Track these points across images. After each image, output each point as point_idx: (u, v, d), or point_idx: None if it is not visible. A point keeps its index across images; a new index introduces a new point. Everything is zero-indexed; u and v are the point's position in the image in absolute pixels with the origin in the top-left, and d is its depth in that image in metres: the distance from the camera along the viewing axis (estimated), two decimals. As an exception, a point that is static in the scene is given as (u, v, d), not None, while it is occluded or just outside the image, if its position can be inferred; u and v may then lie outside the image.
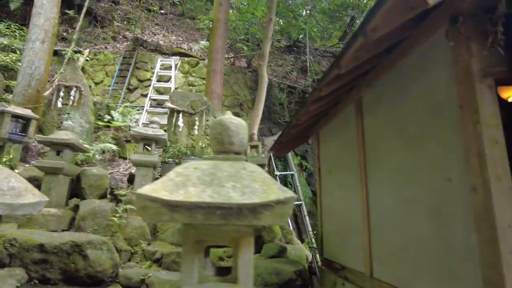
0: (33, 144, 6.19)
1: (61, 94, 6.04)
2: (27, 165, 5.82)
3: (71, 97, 6.06)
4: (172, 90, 8.89)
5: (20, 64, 8.39)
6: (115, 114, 7.25)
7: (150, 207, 1.23)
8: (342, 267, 3.42)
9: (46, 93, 5.90)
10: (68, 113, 6.07)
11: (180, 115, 6.35)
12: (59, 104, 6.02)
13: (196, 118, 6.42)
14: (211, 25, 10.56)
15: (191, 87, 9.23)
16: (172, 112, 6.38)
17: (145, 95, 9.13)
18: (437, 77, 2.05)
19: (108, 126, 7.18)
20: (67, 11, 10.77)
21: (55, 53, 10.00)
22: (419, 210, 2.19)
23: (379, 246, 2.73)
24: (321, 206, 4.12)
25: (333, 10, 15.93)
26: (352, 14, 15.46)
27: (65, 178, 4.72)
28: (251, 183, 1.33)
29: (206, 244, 1.41)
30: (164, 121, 8.68)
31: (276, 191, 1.29)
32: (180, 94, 6.60)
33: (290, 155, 9.69)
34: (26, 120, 5.91)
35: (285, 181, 9.34)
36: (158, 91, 9.02)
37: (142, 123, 8.20)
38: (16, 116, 5.73)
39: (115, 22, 11.31)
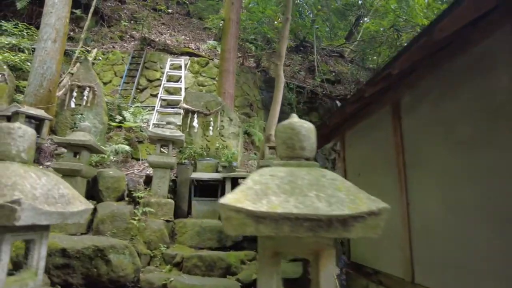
0: (46, 145, 6.09)
1: (74, 94, 5.94)
2: (41, 167, 5.72)
3: (85, 97, 5.96)
4: (182, 90, 8.80)
5: (28, 63, 8.31)
6: (126, 115, 7.15)
7: (234, 218, 1.15)
8: (375, 271, 3.34)
9: (59, 93, 5.80)
10: (82, 114, 5.97)
11: (195, 115, 6.26)
12: (72, 105, 5.93)
13: (211, 119, 6.33)
14: (220, 25, 10.50)
15: (201, 87, 9.14)
16: (187, 112, 6.28)
17: (155, 95, 9.03)
18: (498, 77, 1.97)
19: (120, 127, 7.08)
20: (74, 10, 10.64)
21: (64, 52, 9.89)
22: (475, 214, 2.11)
23: (422, 251, 2.64)
24: (348, 209, 4.04)
25: (340, 10, 15.86)
26: (359, 13, 15.38)
27: (83, 180, 4.63)
28: (335, 192, 1.25)
29: (283, 256, 1.32)
30: (175, 121, 8.61)
31: (366, 201, 1.21)
32: (194, 95, 6.51)
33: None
34: (39, 121, 5.81)
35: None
36: (168, 91, 8.93)
37: (153, 124, 8.11)
38: (29, 117, 5.63)
39: (122, 21, 11.20)
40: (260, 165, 5.19)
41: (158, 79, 9.25)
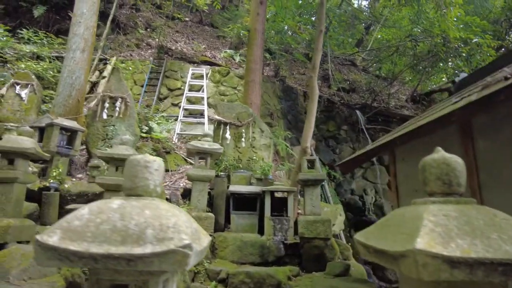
0: (76, 157, 6.01)
1: (106, 105, 5.87)
2: (74, 179, 5.64)
3: (117, 108, 5.88)
4: (204, 99, 8.77)
5: (50, 72, 8.24)
6: (153, 125, 7.09)
7: (430, 264, 1.10)
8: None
9: (91, 104, 5.74)
10: (114, 125, 5.90)
11: (227, 127, 6.21)
12: (105, 116, 5.85)
13: (243, 130, 6.28)
14: (241, 34, 10.51)
15: (222, 96, 9.10)
16: (219, 124, 6.24)
17: (176, 105, 8.99)
18: None
19: (146, 137, 7.02)
20: (91, 18, 10.61)
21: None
22: None
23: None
24: (400, 225, 3.99)
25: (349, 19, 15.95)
26: (369, 22, 15.48)
27: (125, 194, 4.54)
28: (517, 234, 1.21)
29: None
30: (197, 131, 8.56)
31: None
32: (226, 106, 6.47)
33: (319, 164, 9.59)
34: (72, 132, 5.73)
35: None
36: (190, 100, 8.88)
37: (177, 133, 8.06)
38: (62, 128, 5.56)
39: (139, 29, 11.18)
40: (301, 179, 5.14)
41: (179, 88, 9.21)
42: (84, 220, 1.29)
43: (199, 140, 5.32)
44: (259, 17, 7.76)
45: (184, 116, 8.46)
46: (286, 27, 10.25)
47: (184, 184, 6.07)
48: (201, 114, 8.90)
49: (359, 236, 1.59)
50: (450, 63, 9.74)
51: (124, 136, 4.86)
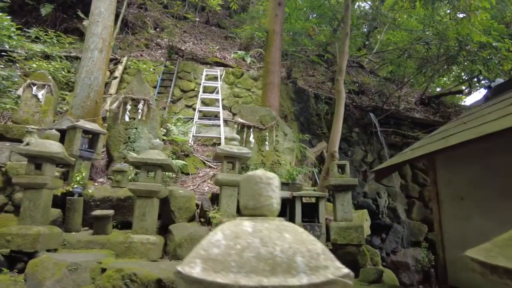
0: (97, 160, 5.83)
1: (128, 107, 5.70)
2: (96, 184, 5.46)
3: (139, 111, 5.72)
4: (219, 101, 8.63)
5: (63, 72, 8.02)
6: (172, 128, 6.94)
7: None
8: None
9: (113, 106, 5.57)
10: (136, 128, 5.73)
11: (251, 130, 6.09)
12: (127, 118, 5.69)
13: (267, 134, 6.17)
14: (255, 35, 10.39)
15: (237, 98, 8.97)
16: (242, 127, 6.12)
17: (189, 106, 8.83)
18: None
19: (164, 140, 6.86)
20: (99, 17, 10.39)
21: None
22: None
23: None
24: (442, 233, 3.93)
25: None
26: (374, 24, 15.47)
27: (157, 201, 4.40)
28: None
29: None
30: (212, 133, 8.41)
31: None
32: (249, 109, 6.35)
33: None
34: (93, 135, 5.56)
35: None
36: (204, 102, 8.73)
37: (193, 136, 7.91)
38: (84, 131, 5.38)
39: (149, 29, 10.99)
40: (332, 184, 5.05)
41: (193, 90, 9.05)
42: (222, 247, 1.17)
43: (227, 145, 5.19)
44: (277, 19, 7.66)
45: (199, 118, 8.31)
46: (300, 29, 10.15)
47: (208, 188, 5.94)
48: (215, 116, 8.76)
49: (475, 254, 1.49)
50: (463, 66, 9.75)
51: (154, 140, 4.73)
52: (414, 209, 9.71)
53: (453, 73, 10.94)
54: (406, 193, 9.85)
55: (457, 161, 3.83)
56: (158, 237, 4.21)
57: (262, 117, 6.28)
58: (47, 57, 8.59)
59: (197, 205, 4.95)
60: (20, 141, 5.83)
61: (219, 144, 8.24)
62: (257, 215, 1.35)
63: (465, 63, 8.39)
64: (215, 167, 6.95)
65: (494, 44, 6.99)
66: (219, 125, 8.44)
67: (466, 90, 11.87)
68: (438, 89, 15.50)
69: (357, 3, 16.11)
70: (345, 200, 5.14)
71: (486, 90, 4.95)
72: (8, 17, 6.74)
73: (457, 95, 13.03)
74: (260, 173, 1.41)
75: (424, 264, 8.55)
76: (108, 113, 5.84)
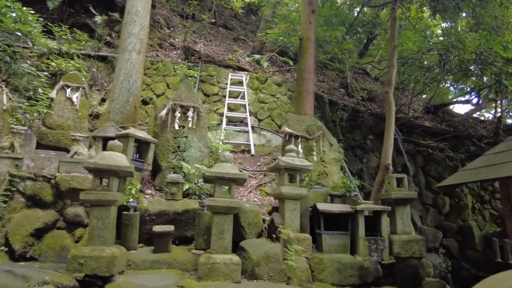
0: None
1: (178, 114, 5.40)
2: (147, 196, 5.13)
3: (189, 119, 5.43)
4: (246, 107, 8.44)
5: (84, 72, 7.49)
6: (208, 135, 6.66)
7: None
8: None
9: (162, 113, 5.26)
10: (186, 136, 5.44)
11: (299, 140, 5.98)
12: (176, 126, 5.38)
13: (314, 144, 6.08)
14: (279, 40, 10.24)
15: (262, 104, 8.80)
16: (290, 137, 5.99)
17: (214, 111, 8.56)
18: None
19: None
20: (110, 13, 9.85)
21: (103, 59, 9.07)
22: None
23: None
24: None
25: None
26: (375, 31, 15.79)
27: (232, 217, 4.19)
28: None
29: None
30: (238, 140, 8.18)
31: None
32: (296, 118, 6.22)
33: (351, 175, 9.58)
34: (140, 144, 5.21)
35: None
36: (228, 107, 8.49)
37: (222, 143, 7.66)
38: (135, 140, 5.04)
39: (165, 28, 10.55)
40: (392, 198, 5.05)
41: (216, 94, 8.78)
42: None
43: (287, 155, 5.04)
44: (311, 26, 7.59)
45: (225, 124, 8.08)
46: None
47: (257, 199, 5.77)
48: (241, 121, 8.56)
49: None
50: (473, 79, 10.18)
51: (226, 153, 4.49)
52: (429, 216, 10.00)
53: (460, 82, 11.39)
54: (420, 200, 10.12)
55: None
56: (236, 257, 4.00)
57: (308, 127, 6.18)
58: (60, 54, 7.99)
59: (272, 220, 4.75)
60: (56, 148, 5.39)
61: (248, 151, 8.07)
62: None
63: (485, 77, 8.76)
64: (253, 176, 6.77)
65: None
66: (246, 131, 8.26)
67: (474, 101, 12.45)
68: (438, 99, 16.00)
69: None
70: (404, 214, 5.16)
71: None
72: (33, 12, 6.16)
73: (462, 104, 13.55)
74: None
75: (442, 270, 8.85)
76: (155, 120, 5.49)
